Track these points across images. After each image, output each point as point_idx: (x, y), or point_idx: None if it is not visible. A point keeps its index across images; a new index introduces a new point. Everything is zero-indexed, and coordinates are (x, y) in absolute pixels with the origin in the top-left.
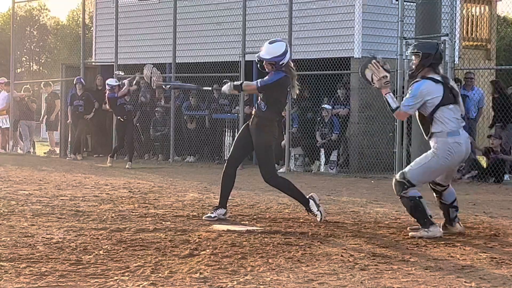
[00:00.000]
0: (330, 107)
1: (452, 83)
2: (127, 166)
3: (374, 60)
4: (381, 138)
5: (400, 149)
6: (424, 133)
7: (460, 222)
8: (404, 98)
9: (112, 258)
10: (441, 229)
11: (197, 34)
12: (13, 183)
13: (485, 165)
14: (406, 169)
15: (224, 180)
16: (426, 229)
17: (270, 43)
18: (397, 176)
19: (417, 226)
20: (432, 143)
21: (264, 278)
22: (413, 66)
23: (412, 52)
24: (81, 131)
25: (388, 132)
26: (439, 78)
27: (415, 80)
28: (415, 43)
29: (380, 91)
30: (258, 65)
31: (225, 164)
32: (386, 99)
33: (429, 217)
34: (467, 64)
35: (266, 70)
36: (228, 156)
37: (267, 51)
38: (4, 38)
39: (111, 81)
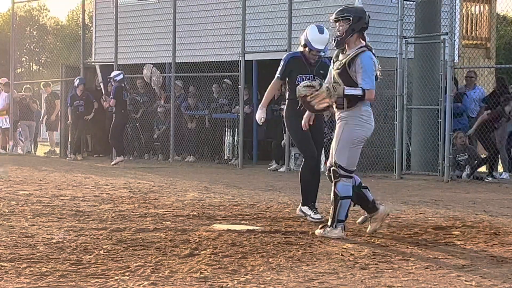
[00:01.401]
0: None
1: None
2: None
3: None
4: (381, 137)
5: (400, 147)
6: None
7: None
8: (358, 76)
9: (113, 258)
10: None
11: (196, 33)
12: (13, 183)
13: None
14: None
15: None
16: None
17: (321, 32)
18: None
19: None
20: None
21: (264, 278)
22: (339, 32)
23: (341, 17)
24: (81, 131)
25: (388, 131)
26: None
27: (357, 53)
28: (340, 9)
29: (338, 96)
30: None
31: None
32: (347, 94)
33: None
34: (467, 63)
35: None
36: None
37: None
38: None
39: (114, 74)
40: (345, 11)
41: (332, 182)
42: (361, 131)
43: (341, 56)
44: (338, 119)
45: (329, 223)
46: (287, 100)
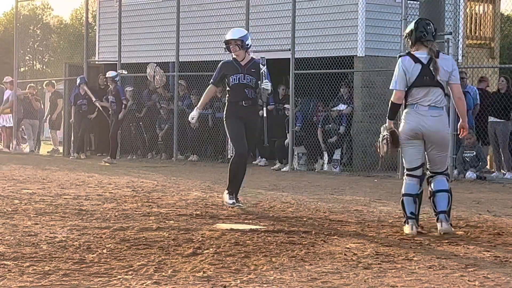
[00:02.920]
0: (344, 107)
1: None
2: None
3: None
4: None
5: None
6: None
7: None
8: None
9: (116, 257)
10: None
11: (200, 32)
12: (17, 182)
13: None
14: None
15: None
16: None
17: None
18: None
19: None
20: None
21: (267, 277)
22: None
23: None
24: (85, 130)
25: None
26: (421, 57)
27: (399, 55)
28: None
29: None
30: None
31: None
32: (388, 116)
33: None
34: (471, 63)
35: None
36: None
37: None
38: (7, 37)
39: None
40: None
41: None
42: (402, 132)
43: None
44: None
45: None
46: (226, 102)
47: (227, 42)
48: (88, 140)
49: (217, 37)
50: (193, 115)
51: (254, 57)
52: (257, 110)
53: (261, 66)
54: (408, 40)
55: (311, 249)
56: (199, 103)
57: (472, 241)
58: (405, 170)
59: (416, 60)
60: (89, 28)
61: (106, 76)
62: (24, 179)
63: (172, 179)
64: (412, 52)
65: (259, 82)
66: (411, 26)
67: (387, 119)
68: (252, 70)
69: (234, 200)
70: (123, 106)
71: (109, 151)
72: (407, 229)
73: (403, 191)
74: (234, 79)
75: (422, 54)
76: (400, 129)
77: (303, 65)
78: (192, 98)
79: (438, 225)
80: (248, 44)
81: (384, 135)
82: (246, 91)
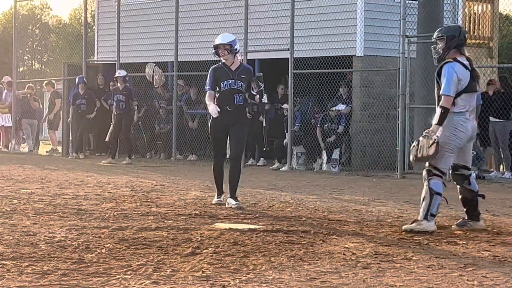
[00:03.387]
0: (343, 107)
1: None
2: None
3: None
4: (383, 136)
5: (402, 147)
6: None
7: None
8: (442, 84)
9: (114, 257)
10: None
11: (199, 32)
12: (15, 182)
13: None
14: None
15: None
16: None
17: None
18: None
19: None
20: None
21: (266, 277)
22: (440, 50)
23: (438, 37)
24: (83, 130)
25: (390, 130)
26: (466, 64)
27: (444, 63)
28: (437, 30)
29: (433, 132)
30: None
31: None
32: (437, 123)
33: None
34: None
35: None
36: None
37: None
38: (6, 36)
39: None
40: (440, 31)
41: (425, 180)
42: (454, 140)
43: None
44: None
45: (420, 218)
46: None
47: (216, 47)
48: (87, 140)
49: (216, 37)
50: (213, 108)
51: (241, 61)
52: (244, 113)
53: (260, 84)
54: (442, 42)
55: (310, 249)
56: (208, 102)
57: (471, 240)
58: (436, 171)
59: (465, 66)
60: (88, 27)
61: (116, 75)
62: (23, 178)
63: (171, 179)
64: (458, 59)
65: (253, 93)
66: (453, 30)
67: (436, 125)
68: (242, 76)
69: (218, 199)
70: (134, 106)
71: (126, 152)
72: (434, 226)
73: (436, 190)
74: (226, 84)
75: (463, 60)
76: (451, 137)
77: (302, 65)
78: (191, 91)
79: (482, 222)
80: (236, 49)
81: (435, 139)
82: (235, 96)
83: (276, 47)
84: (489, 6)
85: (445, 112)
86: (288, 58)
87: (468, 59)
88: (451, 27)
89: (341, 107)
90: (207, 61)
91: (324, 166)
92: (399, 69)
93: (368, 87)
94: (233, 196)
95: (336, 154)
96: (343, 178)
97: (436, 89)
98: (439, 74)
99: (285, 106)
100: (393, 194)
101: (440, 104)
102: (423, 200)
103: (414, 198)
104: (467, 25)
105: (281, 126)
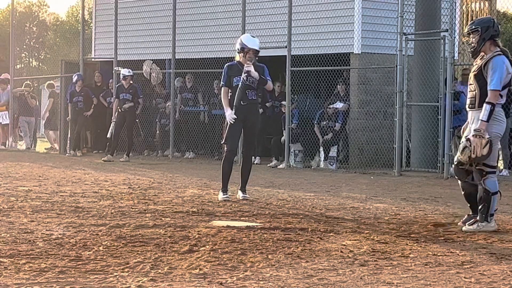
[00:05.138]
0: (341, 105)
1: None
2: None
3: None
4: (380, 133)
5: (400, 144)
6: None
7: None
8: (488, 78)
9: (112, 254)
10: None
11: (196, 30)
12: (13, 179)
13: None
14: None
15: None
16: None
17: (253, 37)
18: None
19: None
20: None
21: (263, 274)
22: (473, 44)
23: (471, 30)
24: (81, 127)
25: (387, 128)
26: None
27: (492, 56)
28: (470, 22)
29: (481, 129)
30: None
31: None
32: (484, 120)
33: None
34: (467, 60)
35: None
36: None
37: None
38: (3, 34)
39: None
40: (474, 24)
41: (475, 180)
42: (497, 128)
43: (478, 61)
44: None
45: (480, 219)
46: None
47: (247, 49)
48: (85, 137)
49: (213, 34)
50: (230, 113)
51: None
52: (257, 110)
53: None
54: (476, 34)
55: (308, 246)
56: (225, 105)
57: (468, 238)
58: (488, 168)
59: (509, 59)
60: (85, 25)
61: (122, 73)
62: (20, 176)
63: (168, 176)
64: (501, 51)
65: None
66: (487, 21)
67: (485, 122)
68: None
69: (224, 196)
70: (138, 104)
71: (126, 149)
72: (496, 226)
73: (494, 189)
74: (238, 80)
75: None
76: (498, 130)
77: (299, 62)
78: (199, 96)
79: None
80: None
81: (488, 138)
82: (247, 92)
83: (273, 44)
84: (486, 3)
85: (493, 108)
86: (285, 56)
87: (503, 50)
88: (484, 19)
89: (339, 105)
90: (205, 58)
91: (322, 164)
92: (396, 66)
93: (366, 84)
94: (243, 189)
95: (333, 152)
96: (340, 175)
97: (476, 83)
98: (485, 66)
99: (282, 103)
100: (390, 192)
101: (488, 100)
102: (480, 201)
103: (411, 196)
104: (464, 22)
105: (279, 124)
